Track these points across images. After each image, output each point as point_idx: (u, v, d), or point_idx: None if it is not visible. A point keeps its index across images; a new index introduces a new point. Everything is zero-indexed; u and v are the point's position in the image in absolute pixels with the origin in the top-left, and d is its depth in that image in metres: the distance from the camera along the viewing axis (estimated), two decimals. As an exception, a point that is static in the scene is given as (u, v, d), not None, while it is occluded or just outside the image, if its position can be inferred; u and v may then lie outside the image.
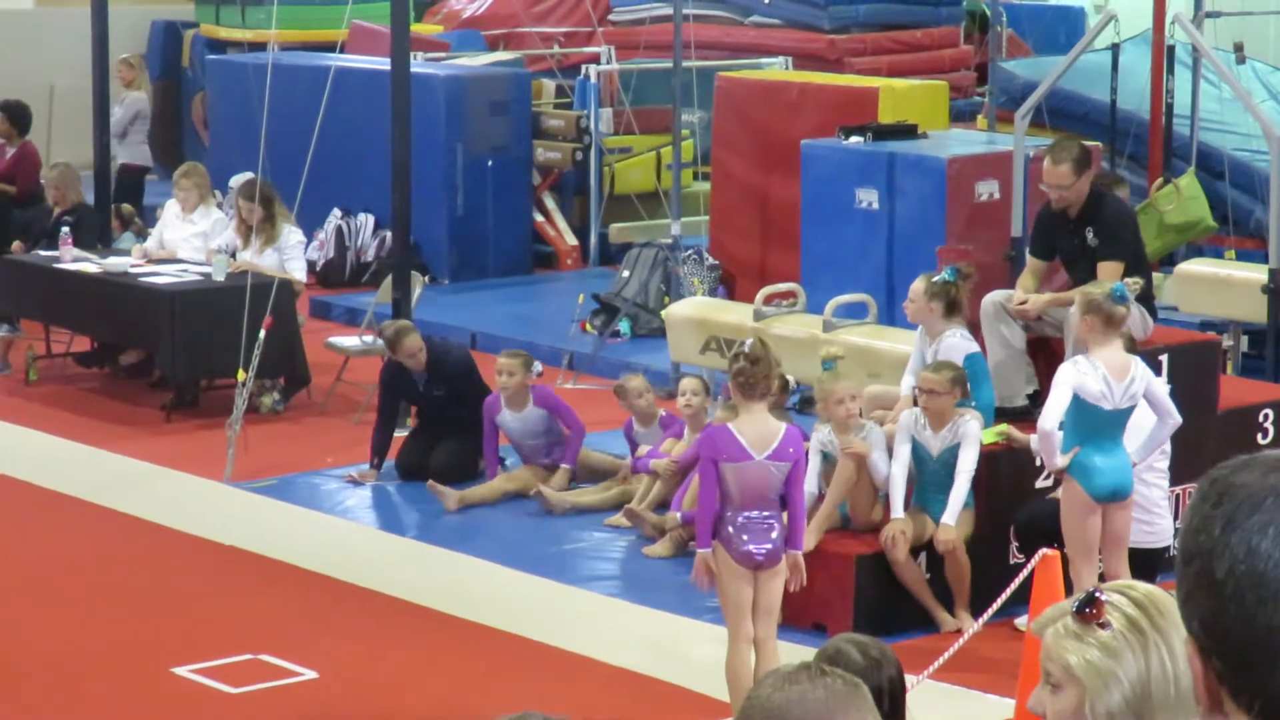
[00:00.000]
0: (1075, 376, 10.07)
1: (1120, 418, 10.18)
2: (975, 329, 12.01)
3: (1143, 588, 3.86)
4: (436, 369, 13.78)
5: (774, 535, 9.32)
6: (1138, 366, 10.20)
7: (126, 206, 19.01)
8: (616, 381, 13.90)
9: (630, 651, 10.66)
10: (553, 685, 10.13)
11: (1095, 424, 10.10)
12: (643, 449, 13.19)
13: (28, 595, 11.64)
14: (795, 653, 9.32)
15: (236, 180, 18.13)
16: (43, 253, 16.79)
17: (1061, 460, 10.11)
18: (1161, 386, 10.51)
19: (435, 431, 13.79)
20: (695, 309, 15.05)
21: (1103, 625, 3.75)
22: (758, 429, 9.26)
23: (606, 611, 11.42)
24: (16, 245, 17.61)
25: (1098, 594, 3.82)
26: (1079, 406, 10.06)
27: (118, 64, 19.93)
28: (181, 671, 10.31)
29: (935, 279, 11.54)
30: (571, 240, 20.63)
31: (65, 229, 16.70)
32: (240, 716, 9.79)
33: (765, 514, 9.31)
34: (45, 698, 10.15)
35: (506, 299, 18.40)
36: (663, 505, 12.58)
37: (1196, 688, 2.26)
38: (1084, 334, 10.21)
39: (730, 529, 9.28)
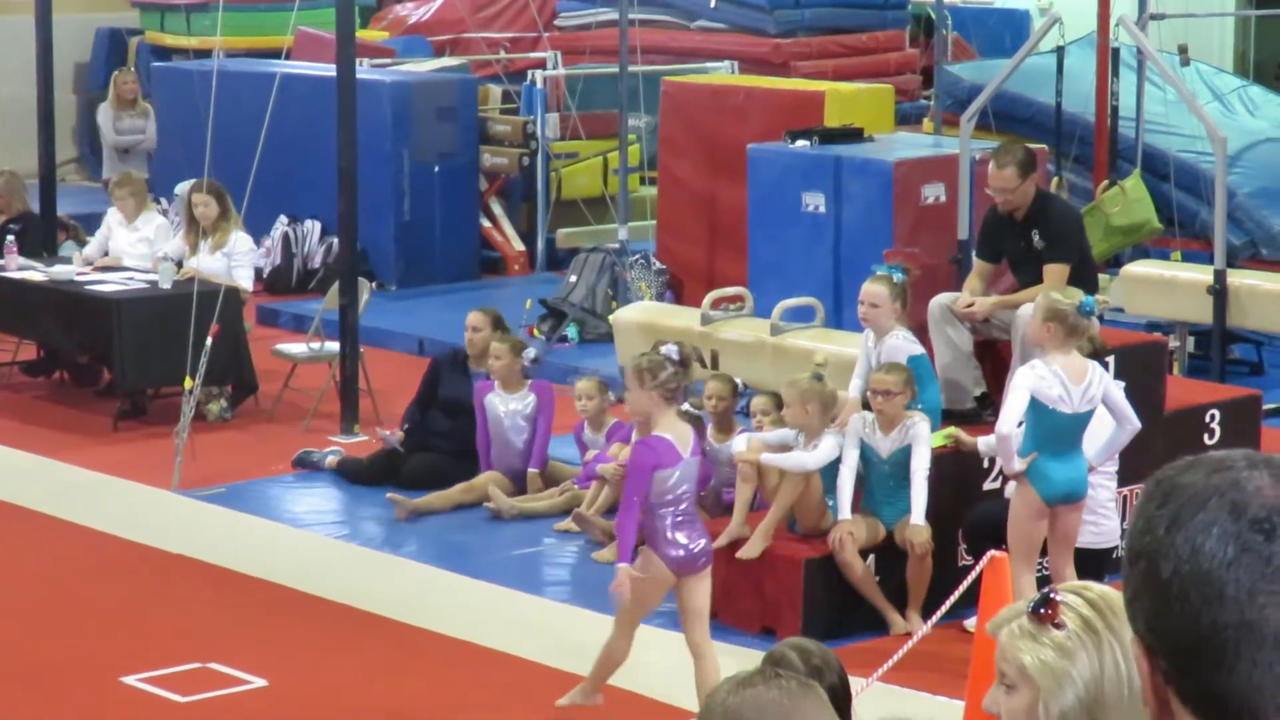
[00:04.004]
0: (1033, 380, 10.09)
1: (1080, 422, 10.19)
2: (921, 331, 12.03)
3: (1097, 589, 3.88)
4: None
5: (703, 531, 9.61)
6: (1095, 371, 10.23)
7: (66, 217, 18.94)
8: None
9: (581, 658, 10.65)
10: (504, 692, 10.13)
11: (1055, 429, 10.11)
12: (590, 454, 13.21)
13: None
14: (745, 658, 9.33)
15: (182, 188, 18.10)
16: (-12, 262, 16.76)
17: (1019, 464, 10.13)
18: (1120, 391, 10.51)
19: (420, 441, 13.75)
20: (643, 314, 15.07)
21: (1057, 625, 3.76)
22: (679, 430, 9.46)
23: (557, 617, 11.42)
24: (-39, 255, 17.57)
25: (1053, 594, 3.83)
26: (1038, 412, 10.07)
27: (124, 79, 19.75)
28: (130, 681, 10.29)
29: (895, 279, 11.55)
30: (519, 245, 20.64)
31: (10, 237, 16.67)
32: (190, 725, 9.77)
33: (693, 510, 9.58)
34: (8, 705, 10.12)
35: (454, 304, 18.35)
36: (611, 510, 12.58)
37: (1144, 688, 2.26)
38: (1043, 338, 10.17)
39: (667, 534, 9.39)
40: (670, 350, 9.44)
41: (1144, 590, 2.21)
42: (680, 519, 9.44)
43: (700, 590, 9.52)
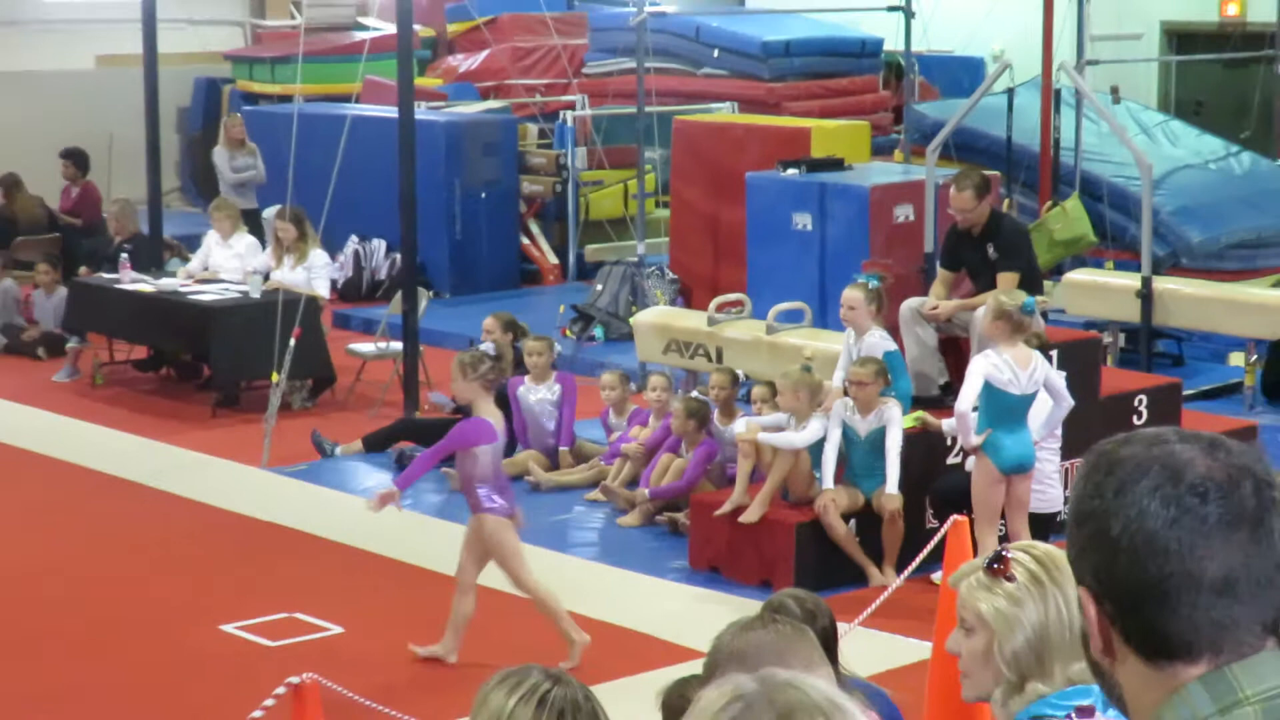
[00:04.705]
0: (987, 366, 10.16)
1: (1025, 402, 10.25)
2: (894, 330, 12.05)
3: (1042, 547, 3.90)
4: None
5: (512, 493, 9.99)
6: (1038, 359, 10.31)
7: (171, 238, 18.96)
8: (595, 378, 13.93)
9: (607, 606, 10.68)
10: (542, 635, 10.14)
11: (1005, 407, 10.16)
12: (614, 435, 13.23)
13: (96, 567, 11.63)
14: (746, 607, 9.33)
15: (269, 213, 18.14)
16: (105, 275, 16.79)
17: (976, 439, 10.18)
18: (1058, 376, 10.57)
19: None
20: (658, 316, 15.07)
21: (1009, 579, 3.78)
22: (496, 416, 9.69)
23: (586, 572, 11.43)
24: (84, 270, 17.62)
25: (1005, 552, 3.85)
26: (991, 393, 10.12)
27: (233, 123, 19.76)
28: (228, 628, 10.32)
29: (870, 287, 11.58)
30: (553, 259, 20.65)
31: (125, 255, 16.71)
32: (277, 665, 9.77)
33: (504, 476, 9.95)
34: (115, 651, 10.14)
35: (498, 309, 18.34)
36: (632, 482, 12.61)
37: (1090, 631, 2.28)
38: (994, 334, 10.24)
39: (499, 495, 9.69)
40: (488, 348, 9.74)
41: (1092, 546, 2.23)
42: (498, 486, 9.71)
43: (515, 535, 9.84)
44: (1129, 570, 2.19)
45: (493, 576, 11.17)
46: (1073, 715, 3.31)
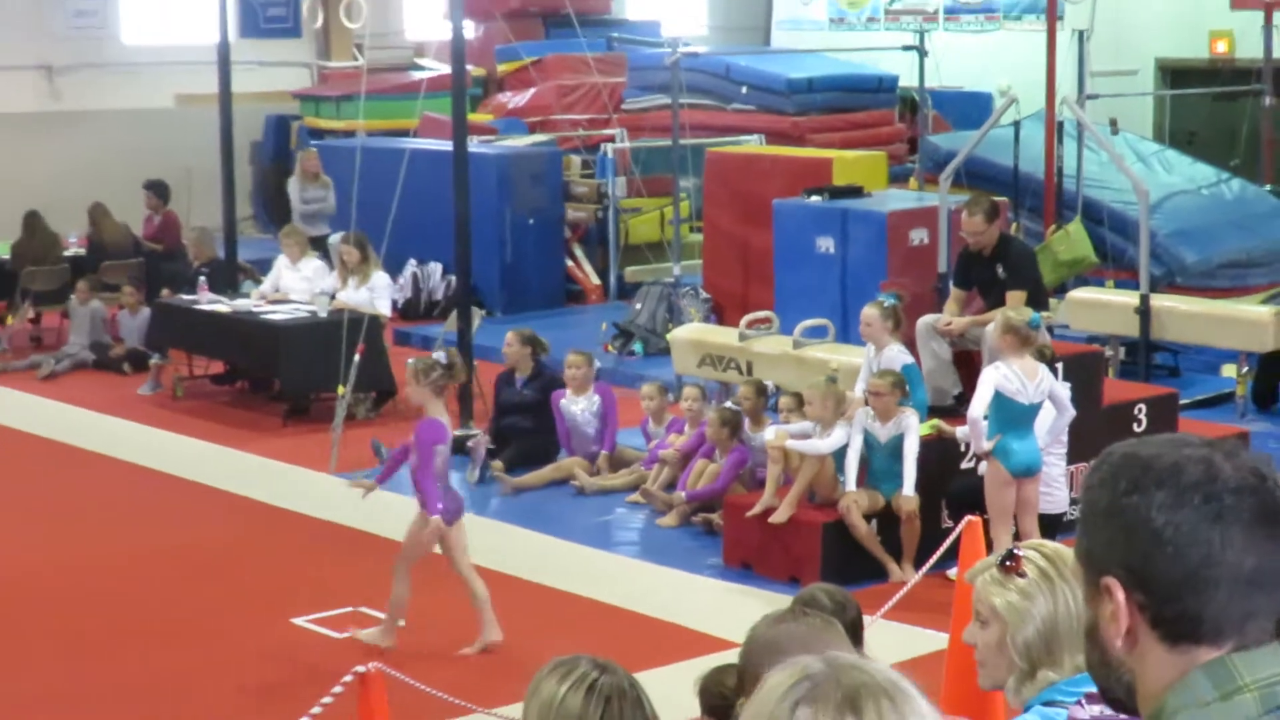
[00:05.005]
0: (997, 377, 10.15)
1: (1032, 410, 10.22)
2: (911, 344, 12.03)
3: (1051, 546, 3.89)
4: (537, 378, 13.82)
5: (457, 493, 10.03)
6: (1044, 370, 10.29)
7: (244, 262, 19.00)
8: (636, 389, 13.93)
9: (647, 600, 10.67)
10: (589, 628, 10.15)
11: (1013, 415, 10.14)
12: (653, 442, 13.22)
13: (175, 564, 11.67)
14: (776, 601, 9.33)
15: (334, 238, 18.18)
16: (184, 297, 16.84)
17: (987, 445, 10.16)
18: (1062, 388, 10.55)
19: (507, 435, 13.77)
20: (693, 332, 15.07)
21: (1021, 575, 3.77)
22: (445, 416, 9.78)
23: (627, 570, 11.43)
24: (165, 292, 17.68)
25: (1016, 550, 3.84)
26: (1001, 402, 10.10)
27: (308, 157, 19.79)
28: (298, 621, 10.35)
29: (886, 305, 11.57)
30: (595, 280, 20.65)
31: (202, 278, 16.77)
32: (344, 655, 9.79)
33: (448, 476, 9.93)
34: (192, 642, 10.17)
35: (545, 327, 18.29)
36: (670, 485, 12.60)
37: (1103, 621, 2.28)
38: (1002, 348, 10.24)
39: (450, 493, 9.80)
40: (440, 356, 9.76)
41: (1125, 539, 2.24)
42: (448, 484, 9.77)
43: (461, 534, 9.81)
44: (1171, 561, 2.20)
45: (550, 575, 11.18)
46: (1083, 701, 3.30)
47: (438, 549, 9.93)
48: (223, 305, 16.22)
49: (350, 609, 10.55)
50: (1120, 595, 2.25)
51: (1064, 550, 3.83)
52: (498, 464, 13.30)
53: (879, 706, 2.08)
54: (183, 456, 14.36)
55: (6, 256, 18.87)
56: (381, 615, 10.26)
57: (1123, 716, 2.46)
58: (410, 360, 9.87)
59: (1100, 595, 2.28)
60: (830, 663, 2.14)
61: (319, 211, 19.32)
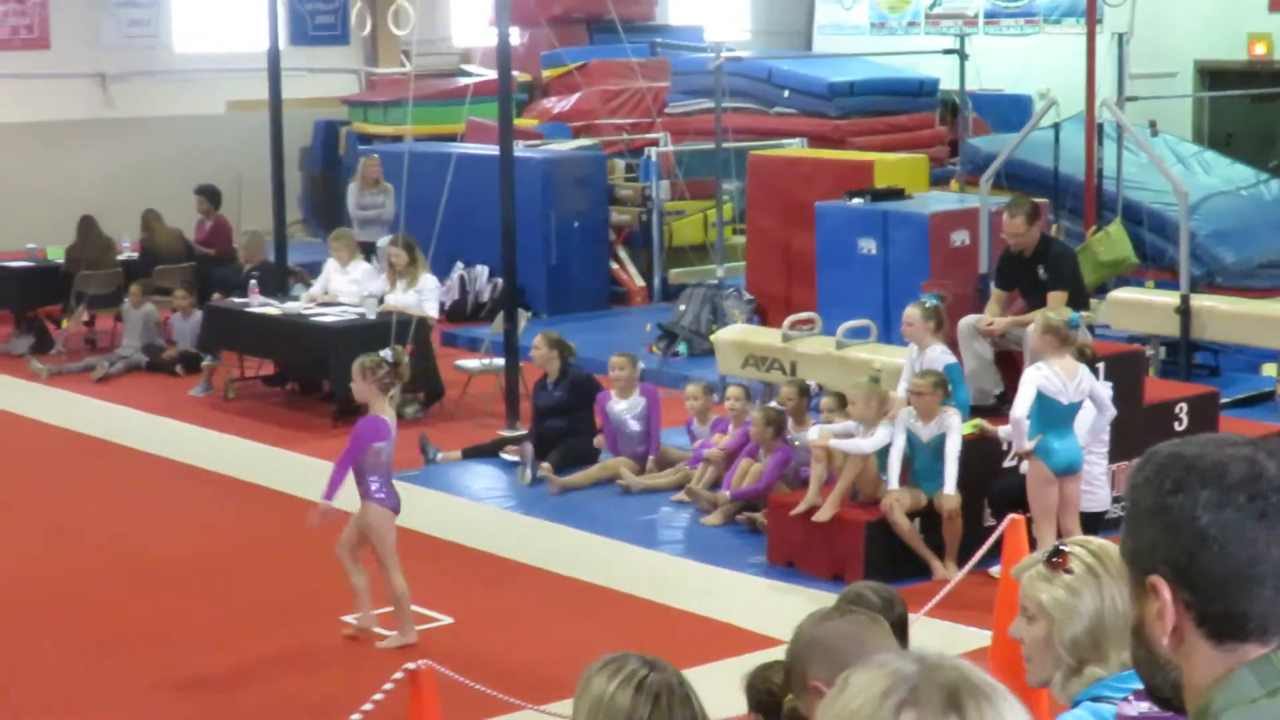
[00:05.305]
0: (1038, 377, 10.11)
1: (1072, 410, 10.18)
2: (954, 345, 11.99)
3: (1097, 542, 3.86)
4: (564, 378, 13.82)
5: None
6: (1083, 370, 10.25)
7: (294, 265, 19.06)
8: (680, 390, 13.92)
9: (693, 598, 10.66)
10: (635, 626, 10.14)
11: (1054, 415, 10.10)
12: (698, 441, 13.21)
13: (226, 562, 11.71)
14: (820, 599, 9.31)
15: (383, 241, 18.22)
16: (236, 300, 16.89)
17: (1029, 444, 10.12)
18: (1102, 387, 10.51)
19: (546, 438, 13.77)
20: (737, 334, 15.05)
21: (1067, 571, 3.75)
22: (389, 414, 9.86)
23: (675, 567, 11.42)
24: (217, 295, 17.74)
25: (1063, 547, 3.82)
26: (1042, 402, 10.06)
27: (369, 163, 19.78)
28: (349, 618, 10.35)
29: (928, 305, 11.54)
30: (640, 282, 20.65)
31: (253, 281, 16.81)
32: (393, 652, 9.81)
33: (390, 471, 9.99)
34: (244, 639, 10.19)
35: (590, 328, 18.40)
36: (714, 485, 12.59)
37: (1153, 619, 2.26)
38: (1043, 348, 10.20)
39: (388, 487, 9.85)
40: (386, 354, 9.81)
41: (1169, 538, 2.22)
42: (386, 478, 9.84)
43: (392, 529, 9.94)
44: (1217, 560, 2.19)
45: (596, 573, 11.19)
46: (1130, 698, 3.28)
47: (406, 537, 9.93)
48: (273, 308, 16.26)
49: (400, 607, 10.53)
50: (1166, 593, 2.23)
51: (1110, 546, 3.80)
52: (546, 465, 13.30)
53: (979, 705, 2.03)
54: (234, 457, 14.40)
55: (61, 260, 18.96)
56: (428, 612, 10.29)
57: (1169, 713, 2.44)
58: (358, 358, 9.93)
59: (1146, 594, 2.27)
60: (921, 661, 2.09)
61: (377, 217, 19.35)
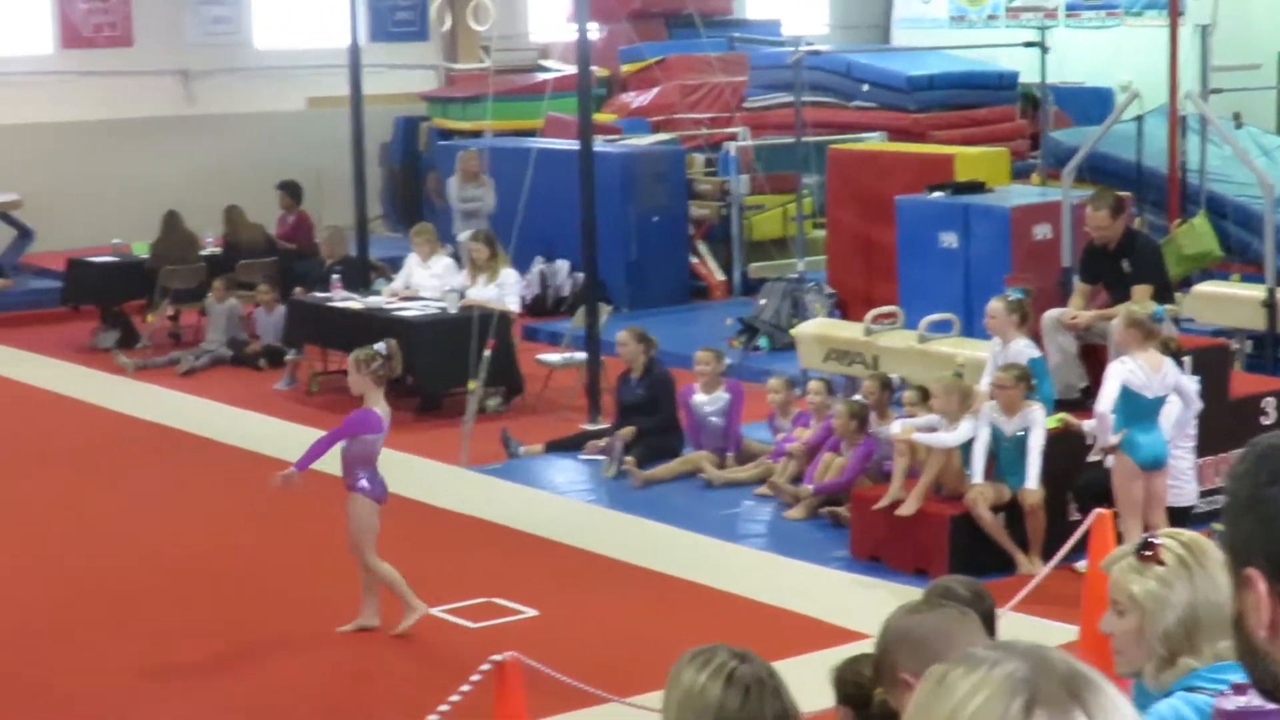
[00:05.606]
0: (1123, 371, 10.05)
1: (1157, 404, 10.12)
2: (1038, 339, 11.95)
3: (1188, 534, 3.86)
4: (647, 374, 13.85)
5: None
6: (1168, 364, 10.18)
7: (376, 260, 19.16)
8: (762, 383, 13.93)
9: (777, 592, 10.67)
10: (719, 619, 10.15)
11: (1139, 409, 10.04)
12: (780, 435, 13.21)
13: (316, 556, 11.78)
14: (904, 593, 9.29)
15: (464, 236, 18.29)
16: (319, 294, 17.01)
17: (1114, 438, 10.07)
18: (1187, 380, 10.44)
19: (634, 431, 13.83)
20: (818, 328, 15.03)
21: (1159, 563, 3.75)
22: (384, 408, 9.89)
23: (755, 562, 11.43)
24: (299, 289, 17.85)
25: (1153, 539, 3.82)
26: (1127, 396, 10.01)
27: (469, 157, 19.82)
28: (434, 611, 10.39)
29: (1012, 299, 11.51)
30: (720, 276, 20.65)
31: (335, 276, 16.92)
32: (478, 644, 9.85)
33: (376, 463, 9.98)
34: (333, 631, 10.25)
35: (671, 322, 18.42)
36: (796, 479, 12.58)
37: (1251, 611, 2.27)
38: (1127, 341, 10.15)
39: (377, 478, 9.86)
40: (380, 347, 9.82)
41: (1264, 530, 2.22)
42: (373, 469, 9.86)
43: (375, 518, 9.93)
44: None
45: (679, 567, 11.21)
46: (1228, 691, 3.27)
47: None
48: (355, 302, 16.36)
49: (484, 599, 10.61)
50: (1262, 586, 2.23)
51: (1201, 539, 3.80)
52: (630, 459, 13.34)
53: (1095, 695, 2.00)
54: (318, 451, 14.48)
55: (146, 256, 19.14)
56: (513, 604, 10.34)
57: (1271, 706, 2.44)
58: (353, 351, 10.00)
59: (1244, 586, 2.27)
60: (1025, 657, 2.02)
61: (478, 210, 19.41)
